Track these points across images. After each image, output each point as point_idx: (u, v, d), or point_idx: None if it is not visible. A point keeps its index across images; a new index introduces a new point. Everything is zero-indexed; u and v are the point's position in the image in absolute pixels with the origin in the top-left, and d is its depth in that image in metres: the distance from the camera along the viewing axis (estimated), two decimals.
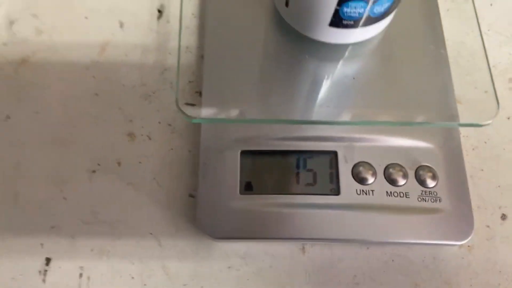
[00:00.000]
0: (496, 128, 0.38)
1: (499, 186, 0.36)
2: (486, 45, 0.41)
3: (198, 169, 0.34)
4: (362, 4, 0.30)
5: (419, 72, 0.36)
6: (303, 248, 0.34)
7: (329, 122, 0.34)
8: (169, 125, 0.37)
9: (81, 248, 0.34)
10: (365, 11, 0.31)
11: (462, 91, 0.37)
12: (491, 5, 0.43)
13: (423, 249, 0.34)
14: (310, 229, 0.32)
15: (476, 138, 0.38)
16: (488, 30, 0.42)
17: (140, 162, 0.36)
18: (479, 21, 0.41)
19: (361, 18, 0.32)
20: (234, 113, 0.34)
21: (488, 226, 0.35)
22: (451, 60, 0.38)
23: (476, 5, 0.42)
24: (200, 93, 0.38)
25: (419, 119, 0.34)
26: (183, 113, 0.31)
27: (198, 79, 0.38)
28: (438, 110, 0.35)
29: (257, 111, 0.34)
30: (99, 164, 0.36)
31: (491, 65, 0.40)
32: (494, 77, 0.39)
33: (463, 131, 0.38)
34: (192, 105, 0.38)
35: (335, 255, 0.34)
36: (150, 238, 0.34)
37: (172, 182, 0.36)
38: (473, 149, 0.37)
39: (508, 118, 0.38)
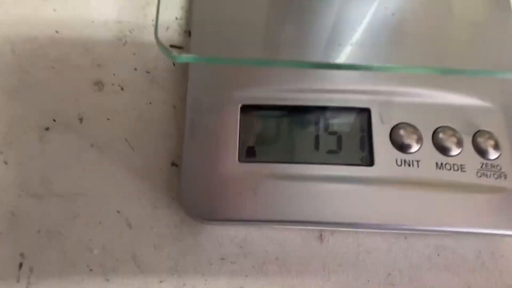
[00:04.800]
0: None
1: None
2: None
3: (184, 129, 0.28)
4: None
5: (477, 12, 0.31)
6: (321, 235, 0.29)
7: (358, 67, 0.28)
8: (148, 72, 0.31)
9: (24, 229, 0.28)
10: None
11: None
12: None
13: (478, 241, 0.30)
14: (331, 211, 0.27)
15: None
16: None
17: (108, 119, 0.31)
18: None
19: None
20: (230, 52, 0.28)
21: None
22: None
23: None
24: (189, 33, 0.32)
25: (475, 67, 0.29)
26: (164, 47, 0.24)
27: (188, 15, 0.32)
28: (499, 57, 0.29)
29: (260, 51, 0.29)
30: (54, 120, 0.30)
31: None
32: None
33: None
34: (179, 47, 0.31)
35: (362, 246, 0.29)
36: (117, 217, 0.29)
37: (150, 145, 0.30)
38: None
39: None
